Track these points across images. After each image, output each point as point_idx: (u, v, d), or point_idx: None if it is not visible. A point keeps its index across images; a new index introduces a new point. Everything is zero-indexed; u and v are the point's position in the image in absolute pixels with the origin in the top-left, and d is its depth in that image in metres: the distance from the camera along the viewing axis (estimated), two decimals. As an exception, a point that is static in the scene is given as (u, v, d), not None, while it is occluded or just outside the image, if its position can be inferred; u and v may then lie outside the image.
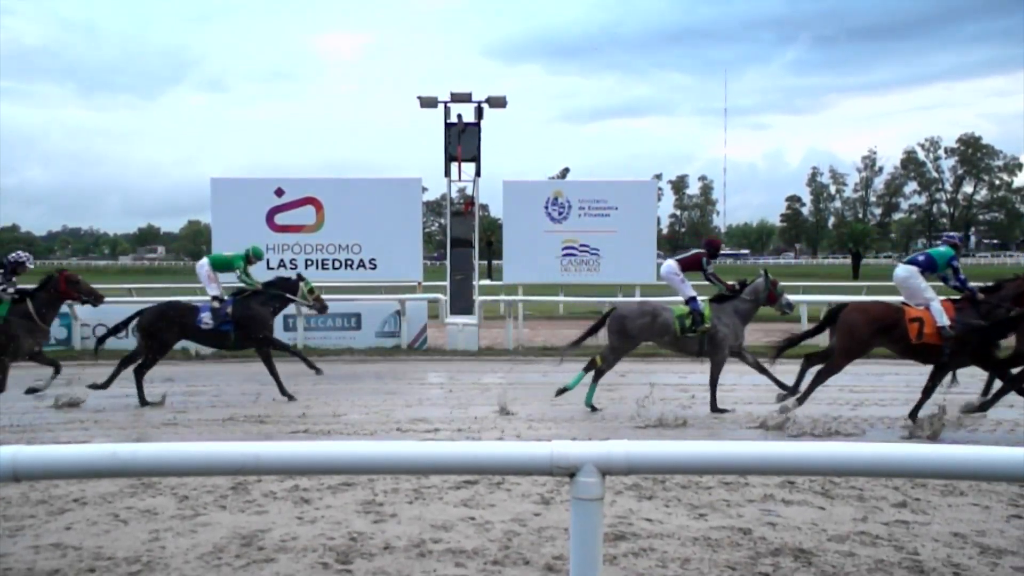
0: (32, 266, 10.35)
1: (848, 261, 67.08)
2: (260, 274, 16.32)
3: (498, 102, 16.60)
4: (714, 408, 9.26)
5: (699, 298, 9.79)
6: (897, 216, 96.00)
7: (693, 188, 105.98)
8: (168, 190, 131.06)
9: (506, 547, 4.79)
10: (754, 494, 5.83)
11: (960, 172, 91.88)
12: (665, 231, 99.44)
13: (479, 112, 16.49)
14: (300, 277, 11.45)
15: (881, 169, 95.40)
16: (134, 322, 10.64)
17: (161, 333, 10.33)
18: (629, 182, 18.41)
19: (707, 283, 10.13)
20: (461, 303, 16.52)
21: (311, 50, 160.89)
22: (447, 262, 17.29)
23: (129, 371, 10.05)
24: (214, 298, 10.63)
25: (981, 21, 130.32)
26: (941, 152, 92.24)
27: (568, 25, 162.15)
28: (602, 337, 9.98)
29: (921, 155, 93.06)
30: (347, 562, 4.57)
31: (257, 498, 5.73)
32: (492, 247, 41.98)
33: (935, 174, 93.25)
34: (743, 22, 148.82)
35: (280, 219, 16.33)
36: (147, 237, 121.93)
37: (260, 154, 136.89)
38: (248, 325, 10.53)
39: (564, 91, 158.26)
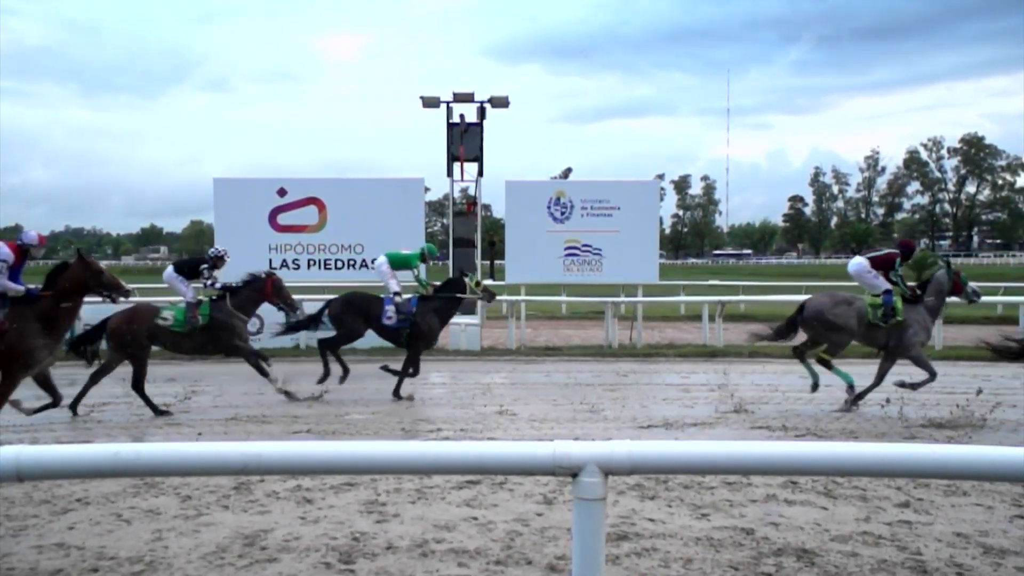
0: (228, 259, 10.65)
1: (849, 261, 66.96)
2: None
3: (500, 102, 16.61)
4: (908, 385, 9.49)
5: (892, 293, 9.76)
6: (900, 216, 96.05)
7: (695, 188, 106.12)
8: (170, 190, 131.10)
9: (509, 547, 4.79)
10: (757, 494, 5.82)
11: (963, 172, 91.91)
12: (667, 231, 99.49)
13: (481, 112, 16.50)
14: (463, 272, 11.56)
15: (884, 169, 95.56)
16: (280, 315, 10.97)
17: (349, 321, 10.65)
18: (631, 182, 18.39)
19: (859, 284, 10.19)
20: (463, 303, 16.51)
21: (313, 50, 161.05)
22: (449, 262, 17.29)
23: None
24: (396, 294, 10.77)
25: (983, 21, 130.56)
26: (944, 152, 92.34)
27: (569, 25, 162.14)
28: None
29: (924, 155, 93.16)
30: (350, 562, 4.57)
31: (260, 498, 5.73)
32: (494, 247, 41.97)
33: (938, 174, 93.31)
34: (744, 22, 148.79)
35: (283, 219, 16.34)
36: (150, 237, 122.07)
37: (262, 154, 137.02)
38: (421, 328, 10.68)
39: (566, 91, 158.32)
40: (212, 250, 10.79)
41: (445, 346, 15.57)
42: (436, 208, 68.67)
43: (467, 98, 16.56)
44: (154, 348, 9.91)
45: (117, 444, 3.45)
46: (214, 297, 10.12)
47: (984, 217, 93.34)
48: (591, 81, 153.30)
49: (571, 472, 3.03)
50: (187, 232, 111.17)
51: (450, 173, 16.78)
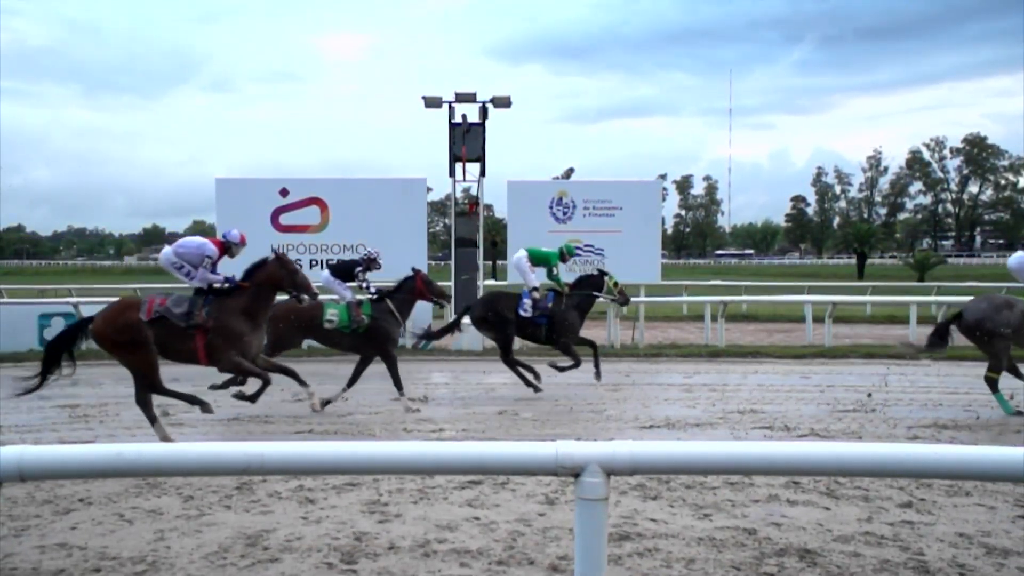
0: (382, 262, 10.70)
1: (853, 261, 67.00)
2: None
3: (502, 102, 16.58)
4: None
5: None
6: (902, 216, 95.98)
7: (698, 188, 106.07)
8: (172, 190, 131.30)
9: (511, 547, 4.79)
10: (759, 494, 5.82)
11: (965, 172, 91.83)
12: (670, 231, 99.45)
13: (483, 112, 16.48)
14: (603, 272, 11.55)
15: (886, 169, 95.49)
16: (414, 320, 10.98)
17: (497, 322, 10.71)
18: (633, 182, 18.37)
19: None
20: (466, 303, 16.49)
21: (315, 50, 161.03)
22: (452, 262, 17.28)
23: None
24: (533, 289, 10.82)
25: (985, 21, 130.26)
26: (946, 152, 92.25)
27: (571, 25, 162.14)
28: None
29: (926, 155, 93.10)
30: (352, 562, 4.57)
31: (262, 498, 5.74)
32: (497, 247, 42.01)
33: (940, 174, 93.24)
34: (746, 22, 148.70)
35: (285, 219, 16.35)
36: (152, 237, 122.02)
37: (265, 154, 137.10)
38: (561, 323, 10.72)
39: (568, 91, 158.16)
40: (365, 252, 10.84)
41: (447, 346, 15.57)
42: (438, 208, 68.59)
43: (469, 98, 16.53)
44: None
45: (119, 444, 3.46)
46: (373, 298, 10.19)
47: (987, 217, 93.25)
48: (593, 81, 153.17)
49: (573, 472, 3.03)
50: (189, 232, 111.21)
51: (452, 173, 16.75)
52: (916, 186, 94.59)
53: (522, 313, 10.68)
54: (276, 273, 8.28)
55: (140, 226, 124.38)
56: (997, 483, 5.73)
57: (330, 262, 10.77)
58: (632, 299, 17.35)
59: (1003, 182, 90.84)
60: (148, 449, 3.39)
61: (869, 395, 9.99)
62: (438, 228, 70.31)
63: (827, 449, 3.32)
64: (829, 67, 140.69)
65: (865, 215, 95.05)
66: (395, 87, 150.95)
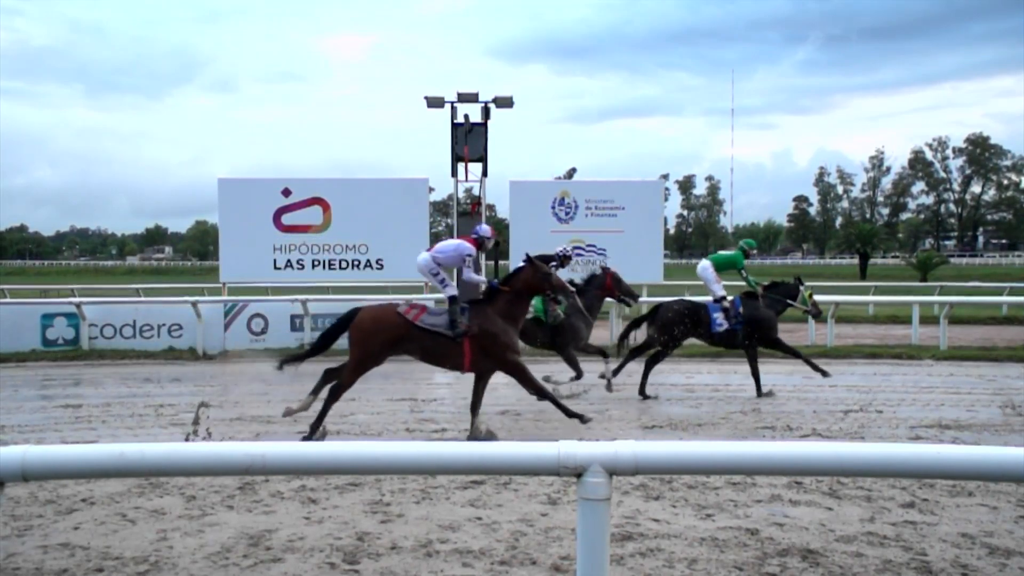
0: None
1: (855, 261, 66.92)
2: (267, 275, 16.49)
3: (505, 102, 16.59)
4: None
5: None
6: (905, 216, 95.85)
7: (700, 188, 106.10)
8: (175, 190, 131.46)
9: (513, 547, 4.79)
10: (761, 494, 5.82)
11: (968, 172, 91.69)
12: (672, 231, 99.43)
13: (486, 112, 16.49)
14: (800, 281, 11.43)
15: (888, 169, 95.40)
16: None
17: (676, 330, 10.59)
18: (636, 182, 18.36)
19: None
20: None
21: (318, 51, 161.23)
22: (453, 262, 17.29)
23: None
24: (721, 298, 10.71)
25: (988, 21, 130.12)
26: (949, 152, 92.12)
27: (574, 25, 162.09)
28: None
29: (929, 155, 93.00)
30: (354, 562, 4.57)
31: (264, 498, 5.75)
32: (499, 247, 42.03)
33: (943, 174, 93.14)
34: (749, 22, 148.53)
35: (287, 219, 16.35)
36: (154, 237, 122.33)
37: (267, 154, 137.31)
38: (757, 325, 10.58)
39: (570, 91, 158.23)
40: (560, 248, 10.84)
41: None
42: (440, 208, 68.66)
43: (471, 98, 16.54)
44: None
45: (122, 444, 3.45)
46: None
47: (989, 217, 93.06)
48: (595, 81, 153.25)
49: (576, 472, 3.03)
50: (192, 232, 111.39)
51: (454, 173, 16.77)
52: (919, 186, 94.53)
53: (716, 328, 10.50)
54: (532, 277, 8.33)
55: (143, 226, 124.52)
56: (1000, 483, 5.73)
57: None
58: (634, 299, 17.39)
59: (1006, 182, 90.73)
60: (150, 449, 3.39)
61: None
62: (440, 228, 70.28)
63: (829, 449, 3.30)
64: (831, 67, 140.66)
65: (867, 215, 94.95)
66: (397, 87, 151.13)
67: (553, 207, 16.65)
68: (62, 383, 9.83)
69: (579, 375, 10.19)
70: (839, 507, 5.56)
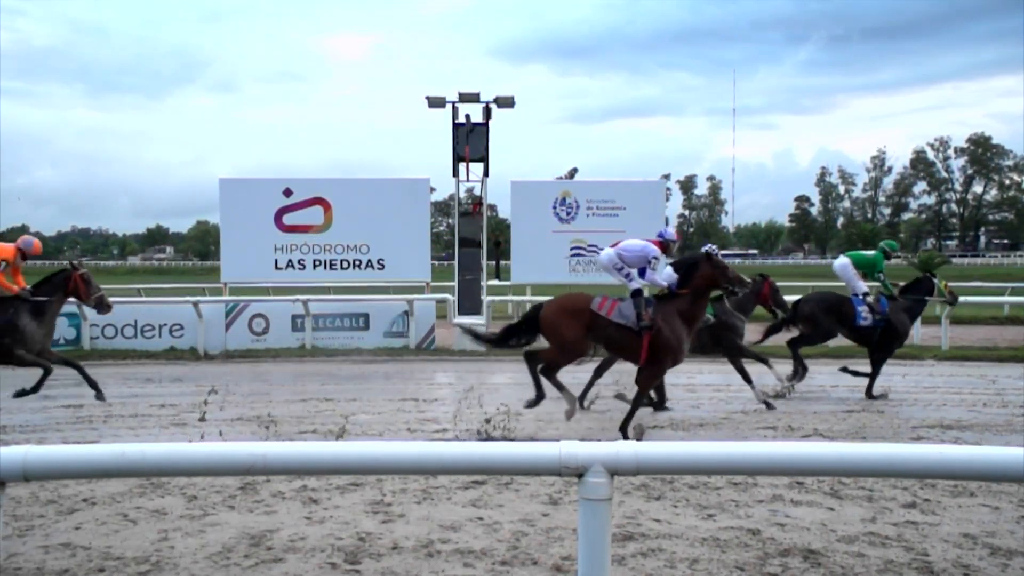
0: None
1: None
2: (268, 275, 16.49)
3: (506, 102, 16.58)
4: None
5: None
6: (906, 216, 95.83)
7: (702, 188, 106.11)
8: (177, 190, 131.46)
9: (514, 547, 4.79)
10: (763, 495, 5.81)
11: (970, 172, 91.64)
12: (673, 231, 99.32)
13: (487, 112, 16.48)
14: (932, 273, 11.26)
15: (890, 169, 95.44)
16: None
17: (823, 320, 10.59)
18: (637, 182, 18.35)
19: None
20: (469, 303, 16.50)
21: (320, 51, 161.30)
22: (455, 262, 17.29)
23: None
24: (864, 295, 10.64)
25: (990, 21, 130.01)
26: (951, 152, 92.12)
27: (575, 25, 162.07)
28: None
29: (931, 155, 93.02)
30: (355, 562, 4.57)
31: (266, 498, 5.74)
32: (500, 247, 41.99)
33: (945, 174, 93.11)
34: (750, 22, 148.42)
35: (288, 219, 16.36)
36: (156, 237, 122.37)
37: (269, 154, 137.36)
38: (895, 328, 10.52)
39: (572, 91, 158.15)
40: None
41: (450, 346, 15.59)
42: (442, 208, 68.65)
43: (473, 98, 16.53)
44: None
45: (123, 444, 3.45)
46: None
47: (991, 217, 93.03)
48: (597, 81, 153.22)
49: (577, 472, 3.03)
50: (193, 232, 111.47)
51: (456, 173, 16.75)
52: (920, 186, 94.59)
53: (860, 322, 10.44)
54: (710, 273, 8.37)
55: (144, 226, 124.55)
56: (1001, 483, 5.72)
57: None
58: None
59: (1007, 182, 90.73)
60: (151, 449, 3.39)
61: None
62: (441, 228, 70.37)
63: (831, 449, 3.31)
64: (833, 67, 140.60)
65: (869, 215, 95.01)
66: (399, 87, 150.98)
67: (554, 207, 16.63)
68: (63, 383, 9.81)
69: (748, 379, 9.93)
70: (841, 507, 5.56)
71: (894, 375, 11.78)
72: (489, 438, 7.67)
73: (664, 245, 9.00)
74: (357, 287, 17.67)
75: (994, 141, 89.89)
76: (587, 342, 8.33)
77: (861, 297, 10.62)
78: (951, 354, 14.13)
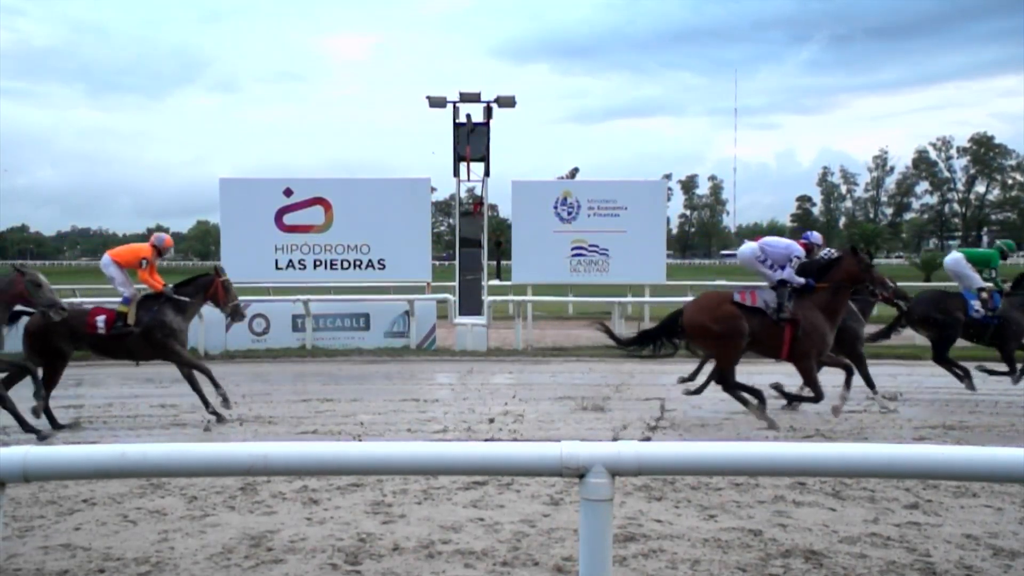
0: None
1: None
2: (269, 275, 16.47)
3: (507, 102, 16.56)
4: None
5: None
6: (908, 216, 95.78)
7: (703, 188, 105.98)
8: (178, 191, 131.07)
9: (515, 548, 4.78)
10: (765, 495, 5.80)
11: (972, 172, 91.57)
12: (675, 231, 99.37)
13: (488, 112, 16.46)
14: None
15: (892, 169, 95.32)
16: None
17: (940, 320, 10.30)
18: (638, 182, 18.34)
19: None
20: (470, 303, 16.49)
21: (321, 51, 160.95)
22: (456, 262, 17.27)
23: None
24: (980, 290, 10.34)
25: (992, 20, 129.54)
26: (953, 152, 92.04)
27: (576, 25, 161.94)
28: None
29: (933, 155, 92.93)
30: (356, 563, 4.56)
31: (266, 499, 5.74)
32: (501, 247, 41.99)
33: (947, 174, 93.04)
34: (752, 22, 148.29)
35: (289, 219, 16.33)
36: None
37: (270, 154, 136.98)
38: (1011, 324, 10.27)
39: (573, 91, 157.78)
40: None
41: (451, 346, 15.59)
42: (442, 208, 68.57)
43: (473, 98, 16.51)
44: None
45: (123, 445, 3.45)
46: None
47: (994, 217, 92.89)
48: (598, 81, 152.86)
49: (578, 473, 3.02)
50: (193, 232, 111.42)
51: (456, 173, 16.74)
52: (922, 186, 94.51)
53: (973, 315, 10.22)
54: (853, 270, 8.28)
55: (144, 226, 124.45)
56: (1004, 484, 5.70)
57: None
58: (637, 299, 17.39)
59: (1010, 182, 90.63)
60: (152, 450, 3.38)
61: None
62: (442, 228, 70.27)
63: (833, 450, 3.29)
64: (835, 67, 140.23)
65: (871, 215, 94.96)
66: (399, 87, 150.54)
67: (555, 207, 16.61)
68: (63, 384, 9.78)
69: (1015, 372, 9.84)
70: (843, 508, 5.54)
71: (897, 375, 11.76)
72: (492, 438, 7.65)
73: (809, 247, 8.99)
74: (358, 287, 17.65)
75: (996, 141, 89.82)
76: (742, 333, 8.26)
77: (975, 291, 10.31)
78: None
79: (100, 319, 9.20)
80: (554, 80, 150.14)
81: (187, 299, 9.60)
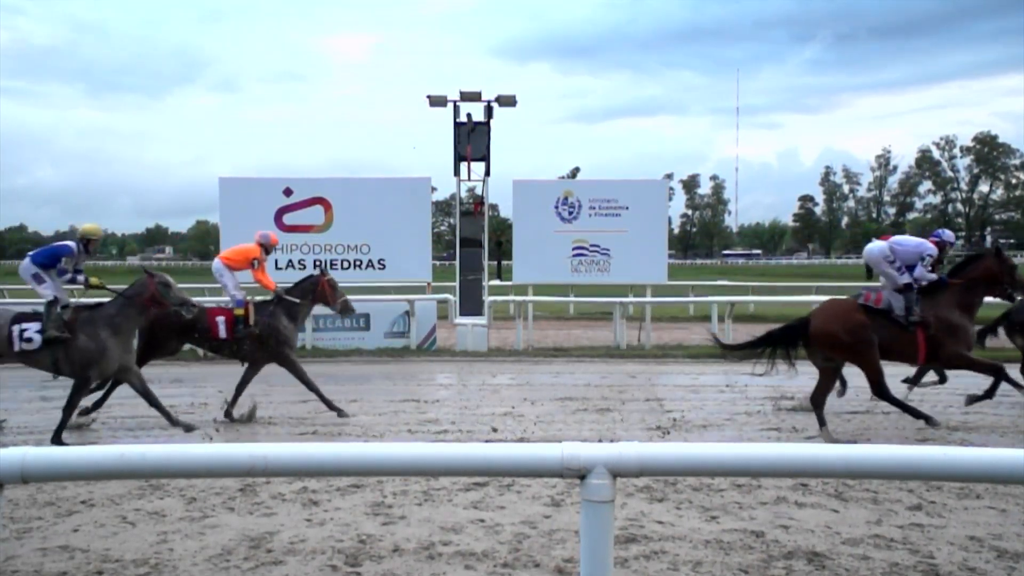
0: None
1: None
2: (271, 274, 16.44)
3: (508, 101, 16.54)
4: None
5: None
6: (911, 216, 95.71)
7: (705, 188, 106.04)
8: (178, 190, 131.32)
9: (516, 549, 4.76)
10: (767, 496, 5.78)
11: (976, 171, 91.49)
12: (676, 231, 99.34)
13: (489, 111, 16.43)
14: None
15: (895, 168, 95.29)
16: None
17: None
18: (640, 182, 18.31)
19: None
20: (470, 303, 16.47)
21: (321, 50, 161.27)
22: (456, 262, 17.25)
23: None
24: None
25: (995, 19, 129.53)
26: (956, 151, 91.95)
27: (578, 24, 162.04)
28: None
29: (936, 154, 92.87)
30: (356, 564, 4.54)
31: (265, 500, 5.72)
32: (502, 247, 41.98)
33: (950, 173, 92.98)
34: (754, 21, 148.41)
35: (289, 219, 16.31)
36: (155, 237, 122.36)
37: (270, 154, 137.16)
38: None
39: (574, 90, 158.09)
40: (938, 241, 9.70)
41: (452, 347, 15.57)
42: (443, 208, 68.53)
43: (474, 97, 16.49)
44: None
45: (122, 446, 3.42)
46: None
47: (997, 216, 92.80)
48: (600, 80, 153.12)
49: (579, 474, 3.00)
50: (192, 232, 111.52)
51: (457, 173, 16.72)
52: (926, 185, 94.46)
53: None
54: (996, 269, 8.13)
55: (144, 226, 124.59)
56: (1008, 486, 5.68)
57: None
58: (638, 299, 17.37)
59: (1014, 181, 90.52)
60: (151, 450, 3.36)
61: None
62: (443, 228, 70.25)
63: (835, 451, 3.27)
64: (838, 66, 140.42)
65: (874, 215, 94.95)
66: (400, 87, 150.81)
67: (556, 207, 16.59)
68: (62, 384, 9.74)
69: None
70: (845, 509, 5.52)
71: (899, 376, 11.72)
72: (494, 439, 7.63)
73: (941, 245, 8.74)
74: (358, 287, 17.62)
75: (1000, 140, 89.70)
76: (873, 343, 7.96)
77: None
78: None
79: (220, 320, 9.37)
80: (555, 79, 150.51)
81: (298, 301, 9.72)
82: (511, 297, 17.23)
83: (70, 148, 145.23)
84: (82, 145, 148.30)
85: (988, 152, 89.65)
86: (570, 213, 16.58)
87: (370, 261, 16.48)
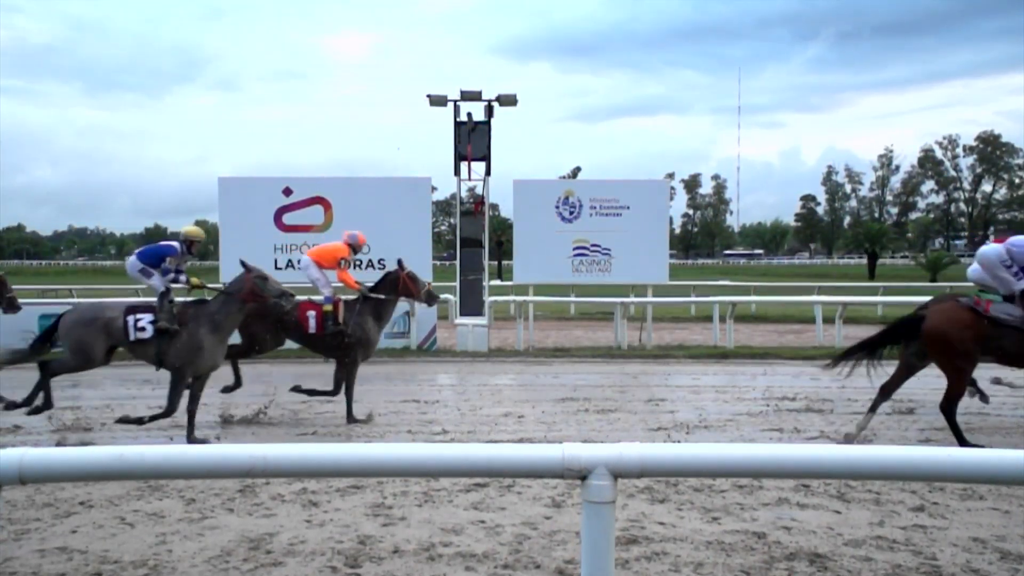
0: None
1: (864, 261, 66.77)
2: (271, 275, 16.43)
3: (508, 100, 16.51)
4: None
5: None
6: (914, 215, 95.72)
7: (706, 187, 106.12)
8: (177, 190, 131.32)
9: (517, 551, 4.74)
10: (768, 498, 5.75)
11: (979, 170, 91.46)
12: (678, 231, 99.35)
13: (489, 110, 16.41)
14: None
15: (898, 168, 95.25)
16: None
17: None
18: (641, 181, 18.28)
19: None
20: (471, 304, 16.45)
21: (321, 49, 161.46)
22: (457, 262, 17.23)
23: None
24: None
25: (999, 18, 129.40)
26: (959, 150, 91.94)
27: (579, 23, 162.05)
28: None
29: (939, 153, 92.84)
30: (356, 566, 4.53)
31: (265, 501, 5.70)
32: (502, 247, 42.01)
33: (953, 172, 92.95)
34: (757, 19, 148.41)
35: (288, 219, 16.29)
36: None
37: (270, 153, 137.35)
38: None
39: (575, 89, 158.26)
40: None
41: (452, 347, 15.55)
42: (443, 208, 68.65)
43: (475, 96, 16.46)
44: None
45: (121, 446, 3.40)
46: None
47: (1000, 216, 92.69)
48: (601, 79, 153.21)
49: (580, 475, 2.98)
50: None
51: (457, 172, 16.70)
52: (928, 185, 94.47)
53: None
54: None
55: (143, 226, 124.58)
56: (1012, 487, 5.66)
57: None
58: (639, 300, 17.36)
59: (1017, 180, 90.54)
60: (150, 451, 3.34)
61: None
62: (443, 228, 70.33)
63: (838, 452, 3.25)
64: (840, 65, 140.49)
65: (876, 214, 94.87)
66: (400, 86, 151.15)
67: (557, 206, 16.56)
68: (60, 384, 9.74)
69: None
70: (847, 511, 5.50)
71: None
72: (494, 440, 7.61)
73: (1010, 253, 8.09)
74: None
75: (1004, 139, 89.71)
76: (975, 361, 7.62)
77: None
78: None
79: (311, 315, 9.47)
80: (556, 78, 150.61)
81: (384, 297, 9.76)
82: (512, 297, 17.22)
83: (68, 147, 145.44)
84: (81, 144, 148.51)
85: (991, 151, 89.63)
86: (571, 213, 16.56)
87: (370, 261, 16.44)
